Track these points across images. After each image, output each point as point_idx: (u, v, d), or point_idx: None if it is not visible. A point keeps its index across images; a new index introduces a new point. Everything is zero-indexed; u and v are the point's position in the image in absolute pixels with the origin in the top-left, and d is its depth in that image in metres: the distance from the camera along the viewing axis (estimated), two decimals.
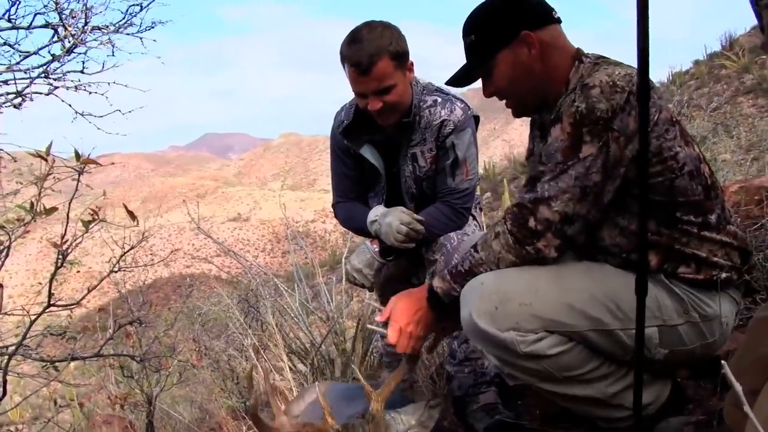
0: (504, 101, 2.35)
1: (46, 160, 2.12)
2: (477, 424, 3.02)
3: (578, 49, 2.25)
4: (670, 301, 2.09)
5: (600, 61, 2.16)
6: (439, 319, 2.34)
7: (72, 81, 2.92)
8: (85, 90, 3.04)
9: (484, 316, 2.06)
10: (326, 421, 2.17)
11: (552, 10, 2.24)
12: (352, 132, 3.20)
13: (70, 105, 3.08)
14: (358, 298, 6.03)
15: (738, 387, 0.85)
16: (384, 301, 3.58)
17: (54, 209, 2.15)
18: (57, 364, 2.66)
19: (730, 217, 2.16)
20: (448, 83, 2.44)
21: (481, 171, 3.58)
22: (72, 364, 4.67)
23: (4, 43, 2.51)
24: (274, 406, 2.28)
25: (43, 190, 2.10)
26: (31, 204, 2.08)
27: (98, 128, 3.27)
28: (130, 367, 4.57)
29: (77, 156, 2.11)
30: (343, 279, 5.67)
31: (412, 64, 3.00)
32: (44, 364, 2.64)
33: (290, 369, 4.61)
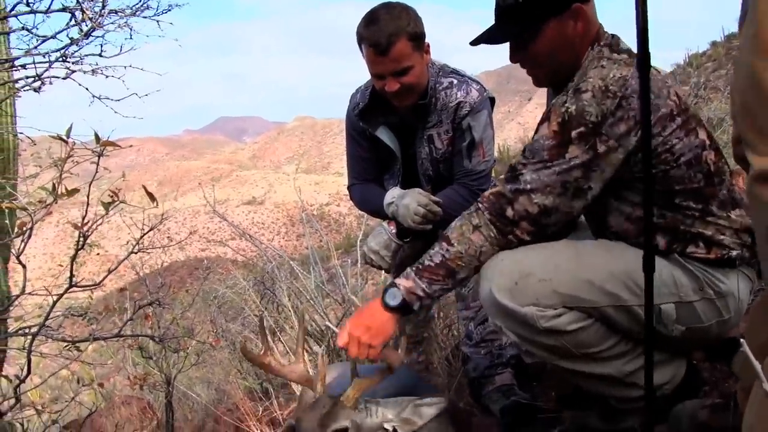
0: (527, 68, 2.30)
1: (66, 143, 2.14)
2: (492, 405, 3.03)
3: (598, 30, 2.22)
4: (685, 279, 2.09)
5: (604, 52, 2.14)
6: (399, 321, 2.27)
7: (89, 65, 2.94)
8: (102, 73, 3.06)
9: (504, 291, 2.07)
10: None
11: None
12: (367, 114, 3.20)
13: (87, 88, 3.11)
14: (372, 281, 6.06)
15: (757, 365, 0.85)
16: None
17: (76, 190, 2.17)
18: (78, 344, 2.70)
19: (740, 200, 2.15)
20: (475, 41, 2.35)
21: (495, 154, 3.56)
22: (91, 346, 4.73)
23: (23, 28, 2.53)
24: (299, 346, 2.29)
25: (63, 172, 2.12)
26: (53, 186, 2.10)
27: (115, 112, 3.29)
28: (148, 348, 4.62)
29: (97, 138, 2.13)
30: (359, 262, 5.70)
31: (428, 46, 2.98)
32: (66, 344, 2.68)
33: (306, 351, 4.65)
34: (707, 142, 2.12)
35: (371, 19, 2.87)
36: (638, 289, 2.04)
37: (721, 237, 2.09)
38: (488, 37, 2.28)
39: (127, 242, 3.30)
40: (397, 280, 2.22)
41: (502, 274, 2.09)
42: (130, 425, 3.95)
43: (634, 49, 1.87)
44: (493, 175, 3.40)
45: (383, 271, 3.44)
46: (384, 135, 3.19)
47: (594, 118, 1.97)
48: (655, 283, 2.03)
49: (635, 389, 2.16)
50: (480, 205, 2.14)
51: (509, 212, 2.08)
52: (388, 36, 2.82)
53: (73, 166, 2.26)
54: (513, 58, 2.28)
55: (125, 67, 3.20)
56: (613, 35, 2.21)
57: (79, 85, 3.05)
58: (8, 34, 2.56)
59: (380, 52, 2.85)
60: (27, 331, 2.47)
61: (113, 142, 2.13)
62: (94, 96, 3.20)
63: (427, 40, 2.97)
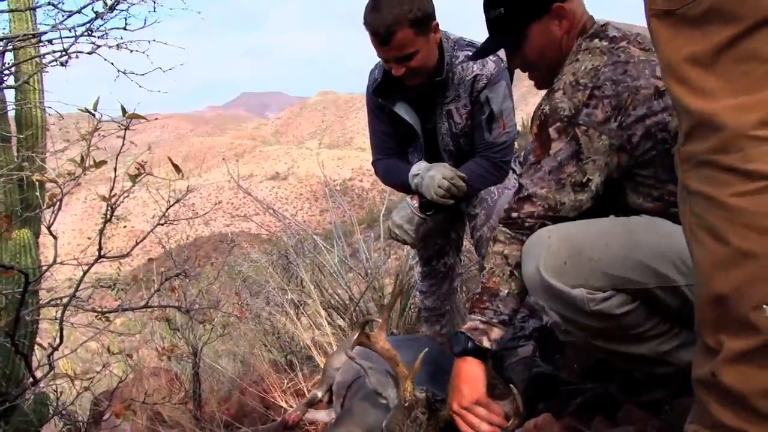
0: (528, 73, 2.35)
1: (93, 115, 2.18)
2: (515, 377, 3.05)
3: (586, 21, 2.24)
4: None
5: (583, 44, 2.17)
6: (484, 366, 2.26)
7: (114, 39, 2.97)
8: (126, 48, 3.09)
9: (552, 270, 2.02)
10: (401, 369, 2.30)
11: None
12: (385, 90, 3.19)
13: (112, 63, 3.14)
14: (395, 255, 6.07)
15: None
16: (423, 254, 3.62)
17: (103, 162, 2.21)
18: (107, 315, 2.76)
19: None
20: (474, 56, 2.53)
21: (519, 127, 3.55)
22: (119, 319, 4.81)
23: (48, 3, 2.56)
24: (382, 320, 2.40)
25: (90, 145, 2.16)
26: (81, 158, 2.14)
27: (140, 86, 3.32)
28: (175, 320, 4.69)
29: (124, 111, 2.16)
30: (381, 236, 5.72)
31: (437, 24, 2.95)
32: (95, 315, 2.73)
33: (329, 323, 4.70)
34: None
35: (374, 6, 2.85)
36: (687, 269, 2.00)
37: None
38: (483, 51, 2.44)
39: (153, 216, 3.35)
40: (462, 328, 2.27)
41: (550, 252, 2.04)
42: (159, 396, 4.02)
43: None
44: (516, 146, 3.40)
45: (408, 246, 3.47)
46: (402, 110, 3.19)
47: (567, 112, 2.02)
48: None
49: (666, 366, 2.15)
50: (498, 221, 2.24)
51: (519, 220, 2.15)
52: (388, 26, 2.81)
53: (100, 140, 2.30)
54: (511, 65, 2.40)
55: (149, 41, 3.23)
56: (603, 24, 2.21)
57: (104, 60, 3.09)
58: (34, 9, 2.60)
59: (381, 41, 2.86)
60: (58, 302, 2.53)
61: (139, 114, 2.16)
62: (119, 71, 3.24)
63: (436, 20, 2.93)
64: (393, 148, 3.37)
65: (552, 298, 2.06)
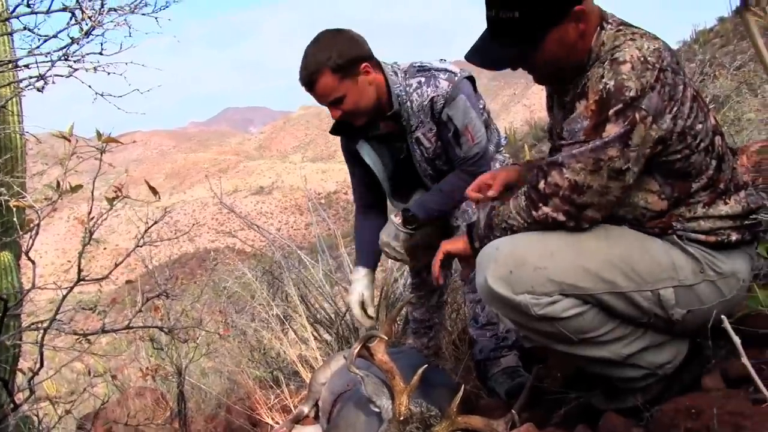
0: (528, 72, 2.24)
1: (69, 141, 2.20)
2: (498, 387, 3.08)
3: (600, 12, 2.14)
4: (685, 261, 2.09)
5: (622, 28, 2.07)
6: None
7: (91, 62, 2.98)
8: (103, 71, 3.10)
9: (499, 280, 2.07)
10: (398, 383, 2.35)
11: None
12: (346, 129, 3.25)
13: (89, 86, 3.15)
14: (381, 267, 6.08)
15: (737, 340, 0.88)
16: (414, 269, 3.67)
17: (79, 186, 2.22)
18: (89, 337, 2.76)
19: (741, 183, 2.16)
20: (480, 64, 2.19)
21: (503, 135, 3.59)
22: (103, 339, 4.77)
23: (24, 28, 2.56)
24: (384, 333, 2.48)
25: (67, 170, 2.17)
26: (58, 183, 2.15)
27: (118, 108, 3.33)
28: (159, 340, 4.68)
29: (99, 135, 2.18)
30: None
31: (366, 66, 2.97)
32: (77, 337, 2.73)
33: (315, 338, 4.70)
34: (717, 127, 2.13)
35: (303, 54, 2.94)
36: (635, 275, 2.05)
37: (720, 224, 2.09)
38: (486, 57, 2.17)
39: (135, 235, 3.35)
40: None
41: (497, 263, 2.09)
42: (144, 416, 4.00)
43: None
44: (507, 155, 3.45)
45: (399, 262, 3.52)
46: (364, 150, 3.26)
47: (633, 93, 1.89)
48: (652, 268, 2.06)
49: (635, 369, 2.19)
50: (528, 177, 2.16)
51: (542, 185, 2.04)
52: (310, 74, 2.89)
53: (79, 163, 2.31)
54: (513, 67, 2.18)
55: (126, 63, 3.24)
56: (620, 20, 2.14)
57: (82, 82, 3.10)
58: (11, 34, 2.60)
59: (306, 88, 2.95)
60: (39, 325, 2.53)
61: (114, 138, 2.18)
62: (96, 93, 3.25)
63: (366, 62, 2.97)
64: (368, 195, 3.48)
65: (502, 306, 2.11)
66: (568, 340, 2.11)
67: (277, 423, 3.90)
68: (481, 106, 3.23)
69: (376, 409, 2.49)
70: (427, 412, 2.37)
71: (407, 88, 3.05)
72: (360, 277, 3.41)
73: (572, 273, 2.05)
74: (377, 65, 3.06)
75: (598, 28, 2.10)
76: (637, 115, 1.90)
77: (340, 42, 2.93)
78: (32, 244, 2.26)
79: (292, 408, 3.94)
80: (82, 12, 2.50)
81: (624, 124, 1.91)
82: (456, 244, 2.40)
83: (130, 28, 2.97)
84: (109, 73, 3.08)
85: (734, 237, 2.10)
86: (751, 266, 2.20)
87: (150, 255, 6.07)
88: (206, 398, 5.25)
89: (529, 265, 2.05)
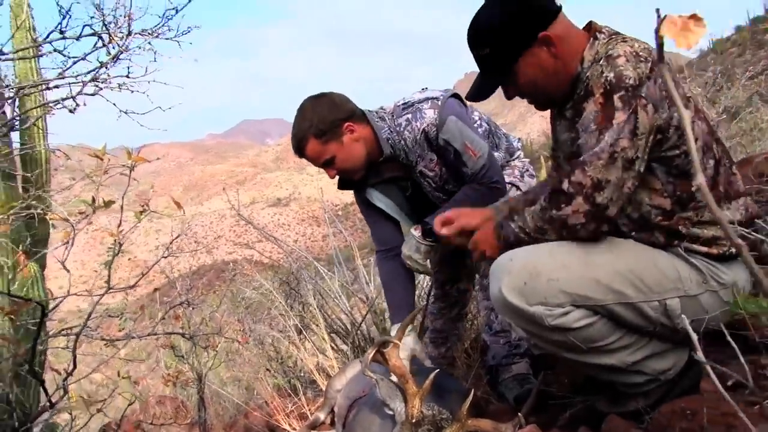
0: (526, 99, 2.39)
1: (101, 159, 2.34)
2: (508, 392, 3.16)
3: (592, 24, 2.29)
4: (689, 273, 2.17)
5: (614, 36, 2.20)
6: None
7: (116, 83, 3.11)
8: (128, 89, 3.24)
9: (513, 291, 2.15)
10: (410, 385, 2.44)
11: (553, 1, 2.27)
12: (351, 184, 3.39)
13: (114, 104, 3.29)
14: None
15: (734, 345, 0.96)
16: (437, 278, 3.77)
17: (112, 202, 2.36)
18: (116, 343, 2.88)
19: (740, 191, 2.24)
20: (468, 98, 2.51)
21: (514, 139, 3.69)
22: (122, 350, 4.91)
23: (54, 50, 2.70)
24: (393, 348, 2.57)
25: (99, 185, 2.31)
26: (93, 199, 2.29)
27: (141, 125, 3.47)
28: (180, 347, 4.80)
29: (129, 155, 2.32)
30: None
31: (349, 126, 3.10)
32: (104, 343, 2.86)
33: (332, 348, 4.79)
34: (713, 132, 2.22)
35: (293, 121, 3.10)
36: (643, 286, 2.14)
37: (722, 233, 2.16)
38: (477, 93, 2.40)
39: (156, 247, 3.46)
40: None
41: (511, 274, 2.17)
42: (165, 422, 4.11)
43: None
44: (527, 160, 3.53)
45: (420, 274, 3.59)
46: (374, 197, 3.38)
47: (633, 81, 2.00)
48: (659, 279, 2.14)
49: (639, 375, 2.27)
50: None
51: (565, 185, 2.09)
52: (297, 143, 3.07)
53: (107, 178, 2.44)
54: (507, 96, 2.38)
55: (149, 82, 3.39)
56: (613, 30, 2.26)
57: (107, 101, 3.24)
58: (39, 57, 2.74)
59: (299, 155, 3.13)
60: (69, 331, 2.65)
61: (143, 157, 2.33)
62: (121, 111, 3.39)
63: (348, 121, 3.09)
64: (387, 237, 3.50)
65: (515, 316, 2.20)
66: (578, 348, 2.19)
67: (295, 429, 3.98)
68: (476, 119, 3.33)
69: (390, 412, 2.58)
70: (439, 415, 2.47)
71: (398, 128, 3.14)
72: (411, 342, 3.25)
73: (584, 284, 2.13)
74: (362, 118, 3.16)
75: (591, 39, 2.23)
76: (638, 102, 1.99)
77: (319, 108, 3.07)
78: (67, 256, 2.39)
79: (309, 415, 4.03)
80: (110, 37, 2.64)
81: (629, 111, 2.00)
82: (472, 218, 2.56)
83: (155, 53, 3.11)
84: (132, 92, 3.23)
85: (734, 248, 2.17)
86: (749, 276, 2.28)
87: (170, 266, 6.20)
88: (225, 405, 5.35)
89: (542, 277, 2.13)
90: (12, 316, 2.69)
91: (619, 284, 2.14)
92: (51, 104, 2.72)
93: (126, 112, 3.34)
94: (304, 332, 5.10)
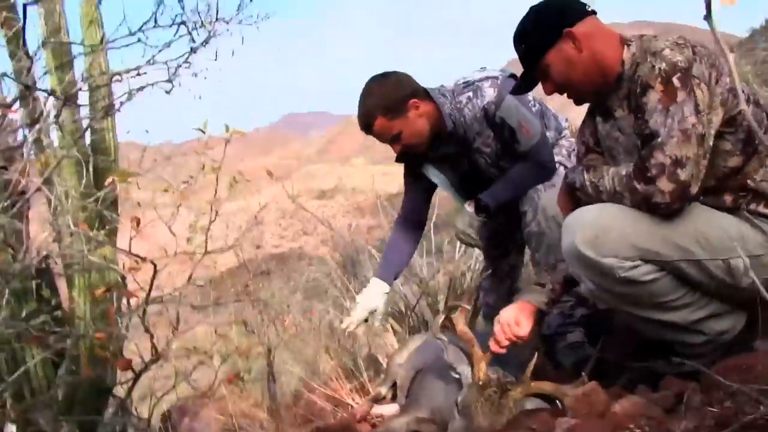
0: (565, 95, 2.57)
1: (204, 132, 2.60)
2: (565, 360, 3.28)
3: (621, 35, 2.49)
4: (753, 234, 2.31)
5: (644, 37, 2.42)
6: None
7: (204, 66, 3.30)
8: (203, 77, 3.43)
9: (586, 243, 2.31)
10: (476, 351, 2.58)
11: (585, 5, 2.48)
12: (410, 157, 3.56)
13: (189, 89, 3.47)
14: (443, 270, 6.31)
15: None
16: (488, 253, 3.93)
17: (218, 168, 2.62)
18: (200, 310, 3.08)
19: None
20: (512, 93, 2.80)
21: (562, 118, 3.84)
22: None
23: (138, 41, 2.90)
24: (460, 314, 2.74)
25: (203, 156, 2.57)
26: (203, 166, 2.54)
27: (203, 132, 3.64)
28: (250, 323, 5.02)
29: (227, 128, 2.59)
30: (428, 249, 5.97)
31: (414, 102, 3.27)
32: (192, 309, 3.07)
33: (387, 331, 4.97)
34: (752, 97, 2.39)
35: (358, 102, 3.31)
36: (708, 245, 2.28)
37: None
38: (519, 87, 2.71)
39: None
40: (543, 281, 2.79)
41: (584, 227, 2.33)
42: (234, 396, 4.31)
43: None
44: (567, 135, 3.66)
45: (473, 248, 3.75)
46: (431, 172, 3.58)
47: (684, 64, 2.19)
48: (724, 240, 2.28)
49: (697, 335, 2.41)
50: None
51: (648, 167, 2.21)
52: (365, 121, 3.28)
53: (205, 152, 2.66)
54: (546, 92, 2.59)
55: (220, 69, 3.56)
56: (639, 35, 2.48)
57: (179, 86, 3.41)
58: (126, 46, 2.94)
59: (365, 131, 3.32)
60: (169, 297, 2.87)
61: (241, 130, 2.60)
62: (194, 96, 3.57)
63: (413, 98, 3.27)
64: (412, 211, 3.77)
65: (587, 267, 2.35)
66: (643, 303, 2.36)
67: (357, 404, 4.15)
68: (530, 99, 3.45)
69: (456, 375, 2.74)
70: (504, 378, 2.62)
71: (458, 105, 3.33)
72: (378, 290, 3.59)
73: (653, 240, 2.27)
74: (425, 95, 3.36)
75: (625, 46, 2.43)
76: (692, 82, 2.18)
77: (385, 87, 3.28)
78: (173, 222, 2.60)
79: (371, 391, 4.19)
80: (202, 23, 2.87)
81: (687, 90, 2.17)
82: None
83: (243, 37, 3.32)
84: (205, 78, 3.42)
85: None
86: None
87: (214, 261, 6.41)
88: (290, 382, 5.54)
89: (614, 232, 2.28)
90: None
91: (686, 242, 2.27)
92: (149, 85, 2.94)
93: (200, 97, 3.52)
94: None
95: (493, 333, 2.73)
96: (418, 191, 3.71)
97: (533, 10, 2.53)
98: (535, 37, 2.50)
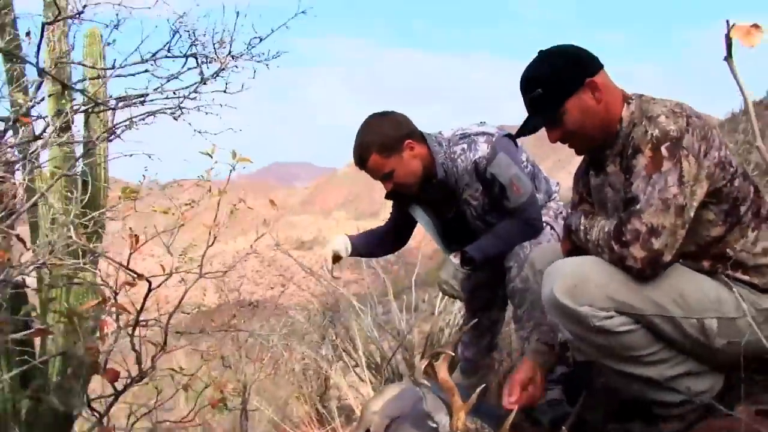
0: (567, 144, 2.62)
1: (211, 157, 2.64)
2: (542, 417, 3.27)
3: (623, 92, 2.55)
4: (729, 297, 2.34)
5: (644, 97, 2.49)
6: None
7: (209, 99, 3.36)
8: (204, 111, 3.48)
9: (564, 292, 2.34)
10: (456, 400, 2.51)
11: (597, 57, 2.54)
12: (399, 196, 3.62)
13: (189, 123, 3.52)
14: (428, 311, 6.33)
15: None
16: (470, 306, 3.95)
17: (224, 192, 2.64)
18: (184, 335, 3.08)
19: None
20: (517, 135, 2.80)
21: (554, 182, 3.91)
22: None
23: (146, 71, 2.96)
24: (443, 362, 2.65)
25: (209, 180, 2.60)
26: (209, 188, 2.56)
27: (210, 157, 3.68)
28: (228, 359, 4.98)
29: (234, 155, 2.63)
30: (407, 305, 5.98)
31: (410, 143, 3.35)
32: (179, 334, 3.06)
33: (363, 381, 4.95)
34: (742, 166, 2.45)
35: (355, 136, 3.37)
36: (685, 304, 2.31)
37: (762, 261, 2.37)
38: (529, 129, 2.65)
39: (181, 281, 3.54)
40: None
41: (564, 277, 2.37)
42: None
43: None
44: (556, 199, 3.72)
45: (455, 299, 3.76)
46: (417, 213, 3.64)
47: (676, 134, 2.24)
48: (700, 298, 2.32)
49: (673, 394, 2.41)
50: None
51: (623, 232, 2.27)
52: (360, 153, 3.33)
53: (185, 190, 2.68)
54: (551, 139, 2.61)
55: (221, 105, 3.61)
56: (638, 93, 2.55)
57: (184, 122, 3.46)
58: (134, 75, 2.99)
59: (360, 167, 3.39)
60: (158, 322, 2.87)
61: (247, 158, 2.64)
62: (195, 131, 3.61)
63: (410, 139, 3.34)
64: (397, 228, 3.86)
65: (564, 315, 2.38)
66: (618, 355, 2.37)
67: None
68: (524, 159, 3.53)
69: (434, 425, 2.71)
70: (482, 430, 2.61)
71: (452, 155, 3.38)
72: (345, 240, 3.72)
73: (630, 294, 2.31)
74: (421, 138, 3.42)
75: (625, 104, 2.49)
76: (680, 153, 2.24)
77: (383, 124, 3.35)
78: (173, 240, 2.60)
79: None
80: (216, 57, 2.92)
81: (674, 161, 2.23)
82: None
83: (254, 71, 3.38)
84: (206, 113, 3.47)
85: None
86: None
87: (204, 293, 6.38)
88: (260, 419, 5.47)
89: (592, 282, 2.32)
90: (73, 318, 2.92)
91: (663, 299, 2.31)
92: (155, 113, 2.98)
93: (200, 132, 3.56)
94: (342, 360, 5.25)
95: (506, 390, 2.79)
96: (403, 219, 3.78)
97: (547, 57, 2.55)
98: (554, 84, 2.50)
